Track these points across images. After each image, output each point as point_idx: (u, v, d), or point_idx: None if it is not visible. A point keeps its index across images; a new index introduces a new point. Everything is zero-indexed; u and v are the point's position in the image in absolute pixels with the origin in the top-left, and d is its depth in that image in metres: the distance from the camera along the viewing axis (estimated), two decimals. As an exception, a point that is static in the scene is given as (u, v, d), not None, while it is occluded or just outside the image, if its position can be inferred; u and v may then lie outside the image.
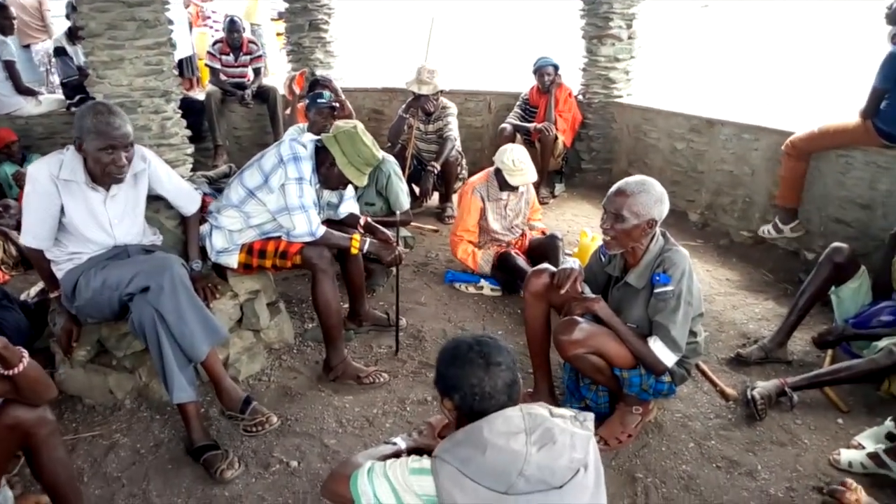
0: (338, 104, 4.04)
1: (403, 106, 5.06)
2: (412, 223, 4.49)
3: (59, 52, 5.92)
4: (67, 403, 2.97)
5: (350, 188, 3.24)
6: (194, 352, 2.58)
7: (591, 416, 1.59)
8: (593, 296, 2.56)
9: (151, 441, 2.76)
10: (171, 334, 2.52)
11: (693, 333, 2.55)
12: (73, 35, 5.88)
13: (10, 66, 5.53)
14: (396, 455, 1.78)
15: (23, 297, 3.55)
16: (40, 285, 3.45)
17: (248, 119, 6.47)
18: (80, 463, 2.63)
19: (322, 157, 2.98)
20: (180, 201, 2.96)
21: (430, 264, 4.39)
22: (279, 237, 3.05)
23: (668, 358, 2.43)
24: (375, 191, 3.98)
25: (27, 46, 7.84)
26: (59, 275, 2.74)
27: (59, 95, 6.16)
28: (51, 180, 2.56)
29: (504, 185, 3.85)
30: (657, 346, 2.41)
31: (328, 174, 3.00)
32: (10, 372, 1.85)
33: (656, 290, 2.41)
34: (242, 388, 3.04)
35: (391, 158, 4.03)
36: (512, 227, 4.03)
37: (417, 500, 1.52)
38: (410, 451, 1.80)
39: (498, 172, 3.84)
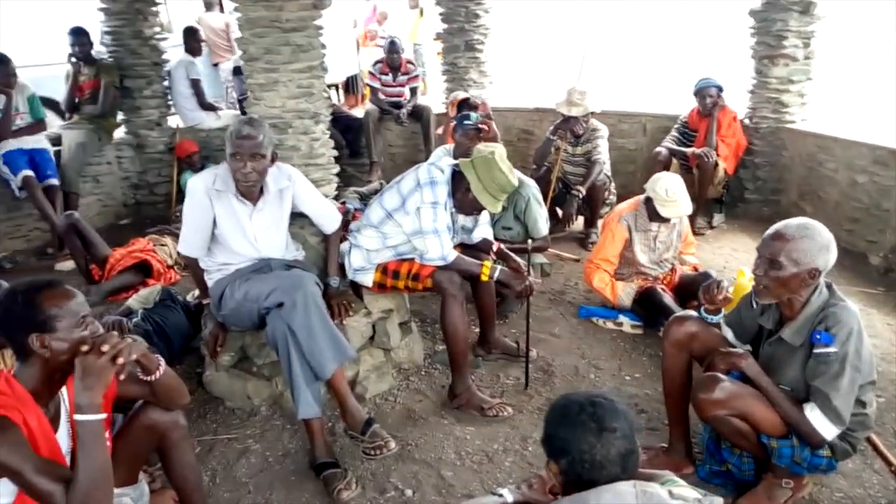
0: (484, 126, 4.01)
1: (551, 128, 4.95)
2: (550, 250, 4.36)
3: (237, 71, 6.46)
4: (211, 405, 3.16)
5: (485, 213, 3.19)
6: (322, 370, 2.63)
7: (719, 500, 1.39)
8: (740, 350, 2.29)
9: (280, 450, 2.85)
10: (300, 350, 2.60)
11: (861, 403, 2.20)
12: None
13: (195, 84, 6.12)
14: (503, 508, 1.68)
15: (188, 297, 3.85)
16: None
17: (402, 137, 6.66)
18: (215, 464, 2.77)
19: (458, 182, 2.96)
20: (321, 220, 3.07)
21: (567, 293, 4.22)
22: (413, 259, 3.06)
23: (827, 430, 2.11)
24: (513, 215, 3.90)
25: (216, 65, 8.67)
26: (209, 283, 2.94)
27: (236, 111, 6.72)
28: (206, 193, 2.75)
29: (654, 216, 3.60)
30: (814, 416, 2.11)
31: (463, 199, 2.97)
32: (150, 378, 1.97)
33: (816, 351, 2.11)
34: (369, 406, 3.08)
35: (531, 182, 3.94)
36: (661, 260, 3.76)
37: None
38: (517, 507, 1.69)
39: (648, 201, 3.61)
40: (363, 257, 3.12)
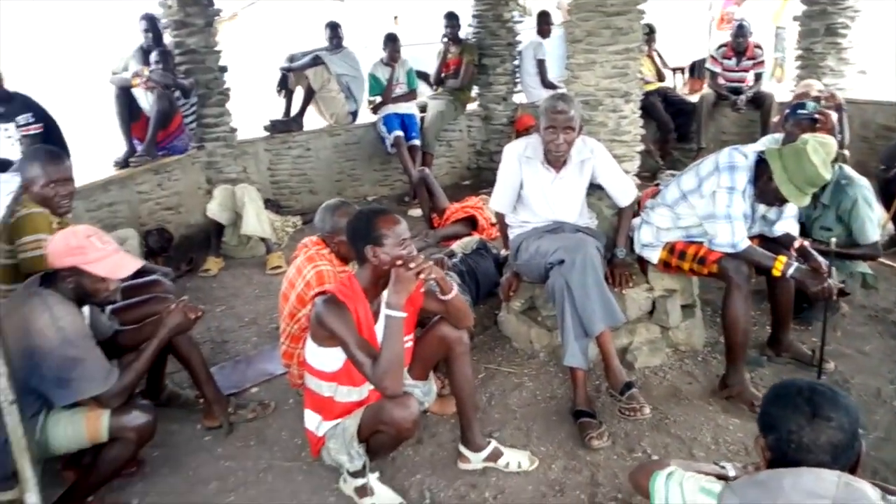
0: (821, 117, 3.71)
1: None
2: (880, 260, 3.86)
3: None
4: (500, 342, 3.64)
5: (793, 206, 3.04)
6: (591, 326, 2.88)
7: None
8: None
9: (549, 392, 3.19)
10: (574, 306, 2.88)
11: None
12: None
13: (541, 64, 6.66)
14: (718, 477, 1.76)
15: (501, 252, 4.39)
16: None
17: (738, 124, 6.36)
18: (493, 390, 3.23)
19: (762, 169, 2.88)
20: (616, 193, 3.27)
21: (894, 313, 3.73)
22: (702, 242, 3.08)
23: None
24: (836, 216, 3.57)
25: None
26: (510, 236, 3.38)
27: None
28: (517, 158, 3.18)
29: None
30: None
31: (765, 188, 2.88)
32: (445, 297, 2.44)
33: None
34: (637, 376, 3.23)
35: (863, 182, 3.54)
36: None
37: (700, 517, 1.52)
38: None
39: None
40: (652, 234, 3.24)
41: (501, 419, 3.02)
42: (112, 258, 2.37)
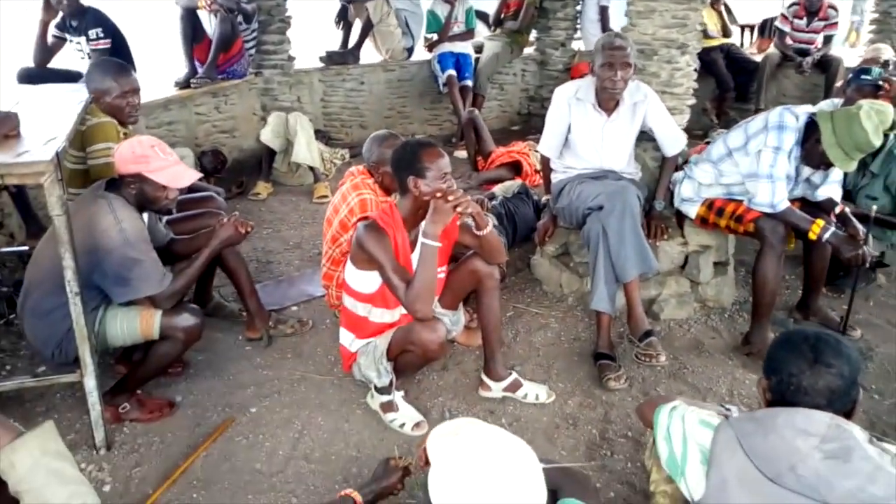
0: (885, 85, 3.61)
1: None
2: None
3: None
4: (531, 284, 3.74)
5: (838, 171, 3.01)
6: (623, 272, 2.95)
7: None
8: None
9: (572, 335, 3.30)
10: (608, 251, 2.94)
11: None
12: None
13: (603, 11, 6.48)
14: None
15: (543, 198, 4.44)
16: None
17: (801, 87, 6.16)
18: (519, 328, 3.35)
19: (811, 131, 2.85)
20: (666, 140, 3.28)
21: (939, 289, 3.69)
22: (741, 201, 3.09)
23: None
24: (883, 185, 3.51)
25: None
26: (553, 181, 3.43)
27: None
28: (566, 101, 3.21)
29: None
30: None
31: (811, 151, 2.86)
32: (480, 233, 2.54)
33: None
34: (661, 327, 3.31)
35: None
36: None
37: (696, 448, 1.62)
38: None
39: None
40: (693, 189, 3.25)
41: (524, 355, 3.14)
42: (173, 168, 2.54)
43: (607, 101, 3.15)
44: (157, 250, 2.66)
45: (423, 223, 2.45)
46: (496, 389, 2.81)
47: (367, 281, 2.52)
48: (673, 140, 3.29)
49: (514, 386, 2.80)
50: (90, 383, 2.40)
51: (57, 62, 4.53)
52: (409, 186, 2.42)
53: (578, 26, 6.61)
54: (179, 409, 2.76)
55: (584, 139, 3.25)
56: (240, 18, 5.30)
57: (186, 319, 2.57)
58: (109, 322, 2.53)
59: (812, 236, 2.91)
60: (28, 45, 4.52)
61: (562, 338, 3.28)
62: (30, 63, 4.45)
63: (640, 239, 2.95)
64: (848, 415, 1.52)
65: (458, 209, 2.33)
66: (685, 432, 1.66)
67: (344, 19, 6.33)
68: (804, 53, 6.00)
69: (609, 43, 3.02)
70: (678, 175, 3.35)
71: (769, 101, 6.12)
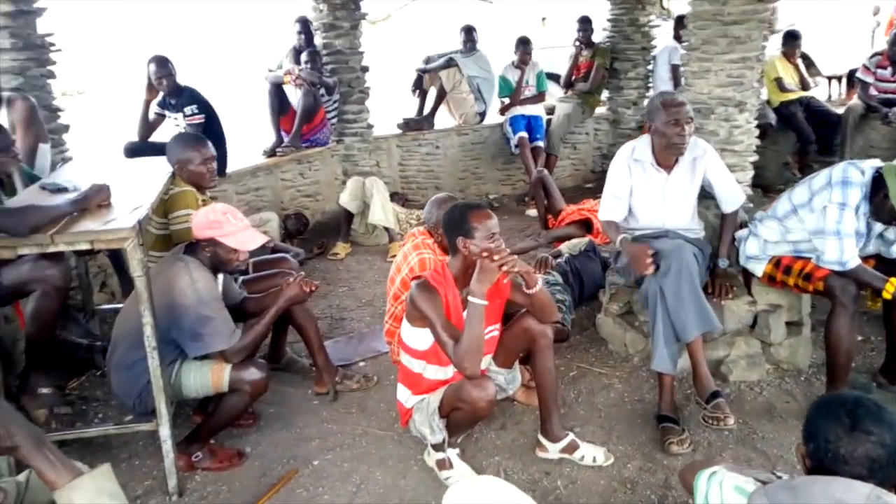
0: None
1: None
2: None
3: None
4: (595, 342, 3.71)
5: (914, 227, 2.87)
6: (684, 332, 2.89)
7: None
8: None
9: (637, 396, 3.24)
10: (666, 311, 2.90)
11: None
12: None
13: (675, 70, 6.48)
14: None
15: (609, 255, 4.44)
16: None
17: (888, 139, 5.88)
18: (581, 388, 3.32)
19: (879, 186, 2.75)
20: (725, 196, 3.23)
21: None
22: (809, 258, 2.99)
23: None
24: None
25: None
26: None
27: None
28: (626, 161, 3.23)
29: None
30: None
31: (880, 206, 2.76)
32: (529, 291, 2.58)
33: None
34: (731, 389, 3.19)
35: None
36: None
37: (732, 514, 1.57)
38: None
39: None
40: (759, 247, 3.17)
41: (586, 416, 3.11)
42: (243, 233, 2.75)
43: (668, 158, 3.16)
44: (231, 308, 2.86)
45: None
46: (553, 450, 2.79)
47: (421, 338, 2.61)
48: (732, 196, 3.24)
49: (572, 447, 2.77)
50: (164, 432, 2.58)
51: (157, 136, 4.99)
52: (459, 246, 2.51)
53: (650, 85, 6.64)
54: (248, 459, 2.90)
55: (646, 199, 3.25)
56: (322, 91, 5.67)
57: (253, 373, 2.72)
58: (184, 375, 2.72)
59: (886, 295, 2.77)
60: (132, 123, 5.02)
61: (625, 399, 3.22)
62: (134, 137, 4.93)
63: (700, 297, 2.90)
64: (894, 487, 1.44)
65: (504, 268, 2.40)
66: (722, 499, 1.62)
67: (419, 88, 6.65)
68: (890, 104, 5.75)
69: (671, 100, 3.06)
70: (743, 232, 3.28)
71: (855, 153, 5.87)
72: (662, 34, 6.81)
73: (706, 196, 3.31)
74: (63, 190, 2.68)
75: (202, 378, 2.70)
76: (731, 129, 3.24)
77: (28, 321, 2.71)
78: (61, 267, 2.63)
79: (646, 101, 6.63)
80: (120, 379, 2.72)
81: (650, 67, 6.60)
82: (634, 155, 3.22)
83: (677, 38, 6.77)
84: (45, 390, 2.79)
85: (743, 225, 3.31)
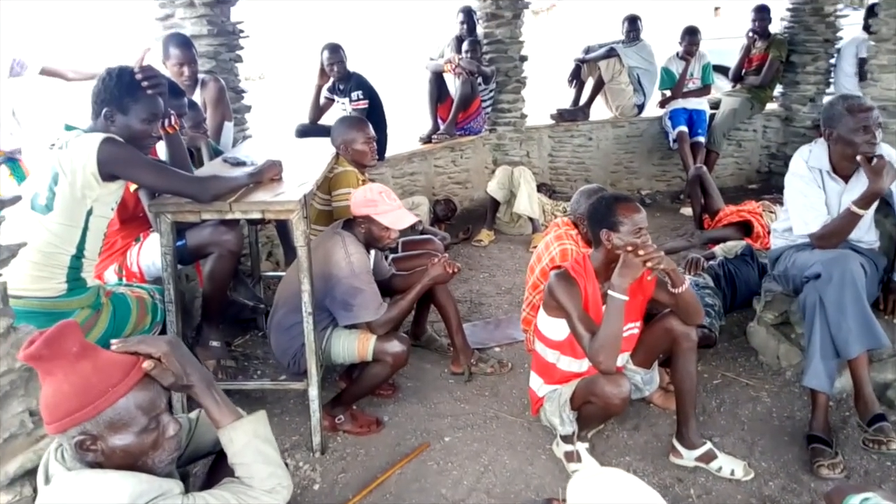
0: None
1: None
2: None
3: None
4: (745, 352, 3.51)
5: None
6: (845, 348, 2.66)
7: None
8: None
9: (786, 412, 3.03)
10: (826, 323, 2.69)
11: None
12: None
13: (862, 64, 5.88)
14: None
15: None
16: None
17: None
18: (725, 397, 3.16)
19: None
20: None
21: None
22: None
23: None
24: None
25: None
26: (772, 245, 3.23)
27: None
28: (806, 166, 2.96)
29: None
30: None
31: None
32: (675, 290, 2.50)
33: None
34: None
35: None
36: None
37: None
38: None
39: None
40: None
41: (727, 426, 2.96)
42: (395, 212, 2.89)
43: (847, 167, 2.89)
44: (380, 283, 3.03)
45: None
46: (688, 457, 2.69)
47: (556, 328, 2.62)
48: None
49: (709, 457, 2.66)
50: (313, 392, 2.79)
51: (325, 119, 5.34)
52: (602, 239, 2.49)
53: (832, 80, 6.09)
54: (385, 427, 3.06)
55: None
56: (479, 80, 5.78)
57: (395, 346, 2.87)
58: (334, 341, 2.93)
59: None
60: (304, 106, 5.41)
61: (773, 414, 3.03)
62: (305, 120, 5.31)
63: (865, 310, 2.65)
64: None
65: (649, 264, 2.34)
66: (872, 526, 1.50)
67: (577, 78, 6.56)
68: None
69: (858, 105, 2.80)
70: (925, 245, 2.95)
71: None
72: (850, 25, 6.21)
73: (882, 202, 3.01)
74: (242, 164, 2.97)
75: (349, 346, 2.89)
76: (921, 131, 2.92)
77: (205, 280, 3.03)
78: (236, 233, 2.92)
79: (825, 99, 6.12)
80: (278, 339, 2.97)
81: (832, 61, 6.05)
82: (810, 162, 2.98)
83: (867, 28, 6.17)
84: (215, 343, 3.11)
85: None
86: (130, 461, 1.49)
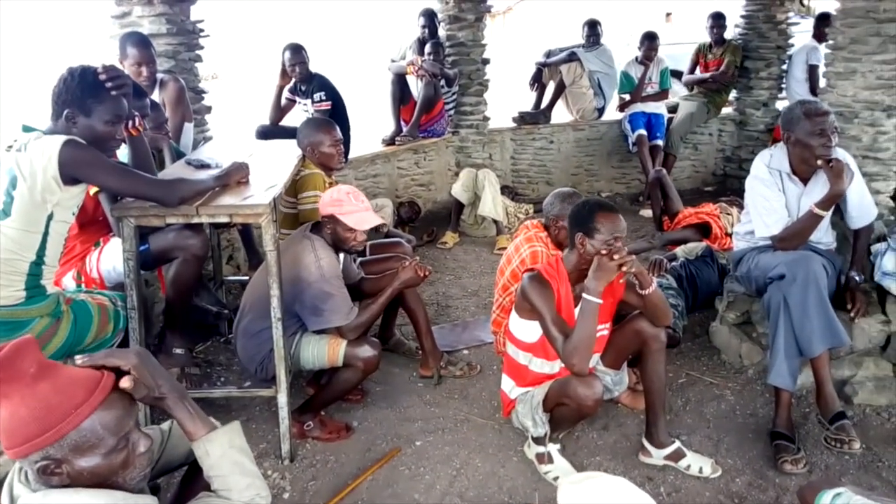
0: None
1: None
2: None
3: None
4: (708, 351, 3.59)
5: None
6: (808, 347, 2.74)
7: None
8: None
9: (749, 409, 3.10)
10: (790, 323, 2.76)
11: None
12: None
13: (812, 70, 6.11)
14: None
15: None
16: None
17: None
18: (690, 396, 3.22)
19: None
20: (855, 210, 3.02)
21: None
22: (956, 280, 2.76)
23: None
24: None
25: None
26: (735, 246, 3.30)
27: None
28: (767, 170, 3.03)
29: None
30: None
31: None
32: (643, 292, 2.53)
33: None
34: (854, 412, 2.99)
35: None
36: None
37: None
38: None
39: None
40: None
41: (693, 425, 3.02)
42: (360, 213, 2.86)
43: (806, 170, 2.98)
44: (349, 287, 2.99)
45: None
46: (657, 456, 2.73)
47: (529, 330, 2.62)
48: (862, 212, 3.01)
49: (677, 455, 2.70)
50: (282, 399, 2.74)
51: (286, 121, 5.26)
52: (576, 243, 2.50)
53: (783, 86, 6.29)
54: (355, 433, 3.02)
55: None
56: (443, 82, 5.77)
57: (366, 351, 2.84)
58: (303, 347, 2.88)
59: None
60: (262, 106, 5.31)
61: (736, 412, 3.10)
62: (265, 121, 5.22)
63: (828, 310, 2.73)
64: None
65: (623, 268, 2.37)
66: (847, 521, 1.54)
67: (538, 81, 6.61)
68: None
69: (816, 109, 2.88)
70: (880, 246, 3.06)
71: None
72: (800, 33, 6.42)
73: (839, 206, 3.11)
74: (206, 166, 2.90)
75: (319, 351, 2.85)
76: (876, 135, 3.02)
77: (168, 285, 2.95)
78: (201, 237, 2.85)
79: (777, 104, 6.32)
80: (245, 345, 2.91)
81: (784, 67, 6.24)
82: (771, 164, 3.06)
83: (817, 37, 6.39)
84: (178, 351, 3.03)
85: (880, 238, 3.09)
86: (99, 481, 1.42)
